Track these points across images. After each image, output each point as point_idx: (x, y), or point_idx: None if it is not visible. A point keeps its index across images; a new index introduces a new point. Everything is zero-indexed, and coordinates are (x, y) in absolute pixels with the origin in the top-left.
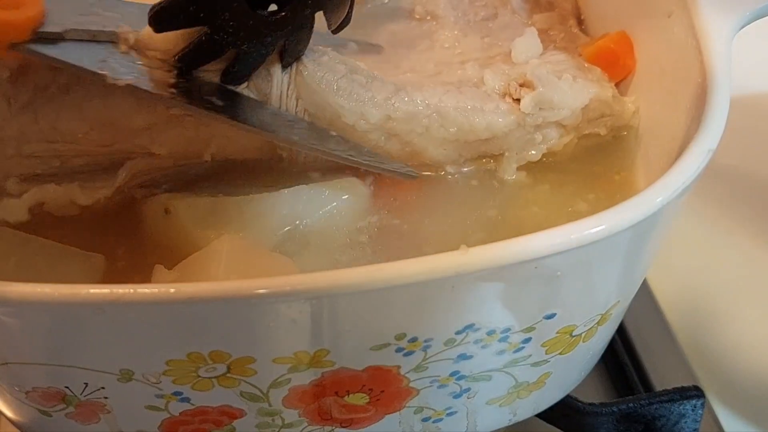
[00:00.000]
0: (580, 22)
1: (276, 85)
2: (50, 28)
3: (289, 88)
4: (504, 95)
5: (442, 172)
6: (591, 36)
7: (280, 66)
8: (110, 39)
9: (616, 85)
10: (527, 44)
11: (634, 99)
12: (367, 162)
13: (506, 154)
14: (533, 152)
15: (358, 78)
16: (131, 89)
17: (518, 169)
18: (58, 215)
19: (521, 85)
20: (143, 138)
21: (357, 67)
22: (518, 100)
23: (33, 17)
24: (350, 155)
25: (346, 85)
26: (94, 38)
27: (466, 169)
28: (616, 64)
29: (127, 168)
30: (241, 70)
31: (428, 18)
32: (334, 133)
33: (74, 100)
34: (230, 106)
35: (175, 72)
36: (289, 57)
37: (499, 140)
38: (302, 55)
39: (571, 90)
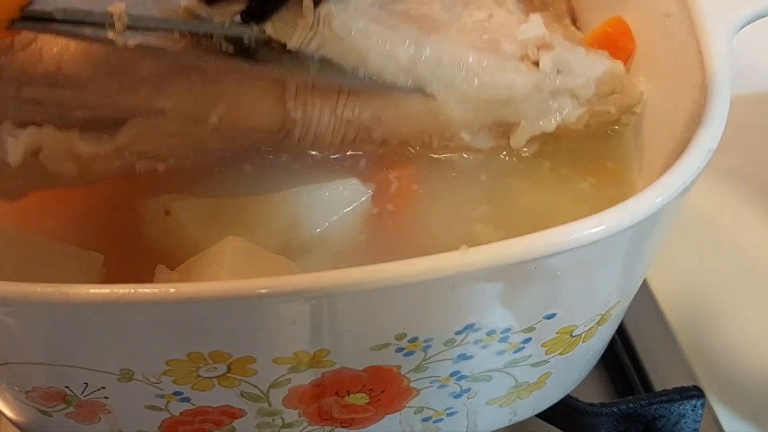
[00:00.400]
0: (575, 22)
1: (299, 33)
2: (39, 6)
3: (315, 37)
4: (522, 58)
5: (444, 156)
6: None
7: (306, 7)
8: (103, 20)
9: None
10: (533, 28)
11: (641, 81)
12: (385, 83)
13: (522, 122)
14: (549, 120)
15: (384, 21)
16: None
17: (521, 170)
18: (52, 169)
19: (539, 48)
20: (148, 87)
21: (379, 15)
22: (536, 63)
23: None
24: (369, 82)
25: (376, 28)
26: (85, 19)
27: (466, 155)
28: (615, 48)
29: (130, 126)
30: (263, 7)
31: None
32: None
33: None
34: (242, 52)
35: (182, 38)
36: None
37: (516, 104)
38: None
39: (586, 58)
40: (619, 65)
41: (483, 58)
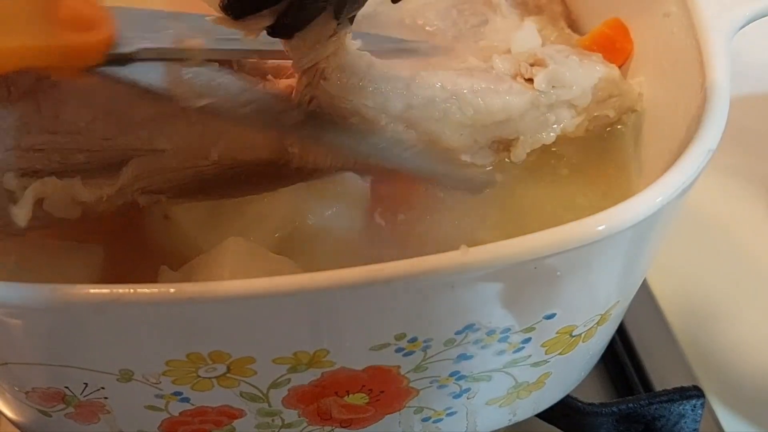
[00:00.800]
0: (571, 24)
1: (312, 56)
2: (122, 49)
3: (306, 88)
4: (515, 76)
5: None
6: (583, 35)
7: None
8: (179, 57)
9: None
10: (527, 37)
11: (637, 82)
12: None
13: (521, 138)
14: (548, 133)
15: (376, 72)
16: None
17: (522, 170)
18: (57, 216)
19: (532, 65)
20: (149, 129)
21: (372, 60)
22: (530, 80)
23: (106, 39)
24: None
25: (368, 83)
26: (162, 56)
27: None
28: (613, 49)
29: (131, 166)
30: (293, 22)
31: (418, 26)
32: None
33: (79, 87)
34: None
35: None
36: (347, 11)
37: (514, 122)
38: (359, 8)
39: (580, 68)
40: (614, 70)
41: (475, 83)
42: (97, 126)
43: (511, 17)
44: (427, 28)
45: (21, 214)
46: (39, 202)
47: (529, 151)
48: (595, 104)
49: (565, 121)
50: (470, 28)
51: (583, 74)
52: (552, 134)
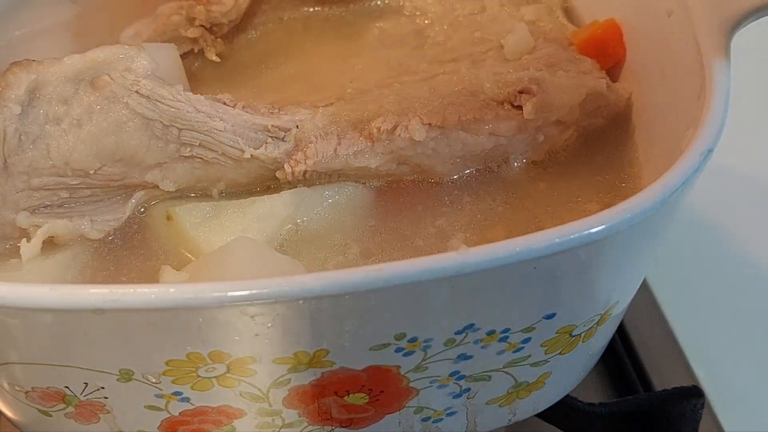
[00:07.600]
0: (567, 12)
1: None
2: None
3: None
4: (503, 102)
5: (446, 179)
6: (580, 25)
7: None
8: None
9: (608, 71)
10: (518, 40)
11: (627, 85)
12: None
13: (511, 157)
14: (537, 151)
15: (352, 134)
16: (146, 125)
17: (523, 169)
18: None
19: (520, 92)
20: (154, 174)
21: (348, 121)
22: (518, 107)
23: None
24: None
25: (344, 150)
26: None
27: (468, 171)
28: (606, 53)
29: (137, 198)
30: None
31: (417, 14)
32: None
33: (88, 136)
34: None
35: None
36: None
37: (503, 147)
38: None
39: (567, 87)
40: (600, 83)
41: (462, 114)
42: (104, 171)
43: (508, 5)
44: (426, 21)
45: (28, 251)
46: (49, 238)
47: (519, 165)
48: (583, 116)
49: (554, 138)
50: (468, 14)
51: (570, 93)
52: (541, 151)
